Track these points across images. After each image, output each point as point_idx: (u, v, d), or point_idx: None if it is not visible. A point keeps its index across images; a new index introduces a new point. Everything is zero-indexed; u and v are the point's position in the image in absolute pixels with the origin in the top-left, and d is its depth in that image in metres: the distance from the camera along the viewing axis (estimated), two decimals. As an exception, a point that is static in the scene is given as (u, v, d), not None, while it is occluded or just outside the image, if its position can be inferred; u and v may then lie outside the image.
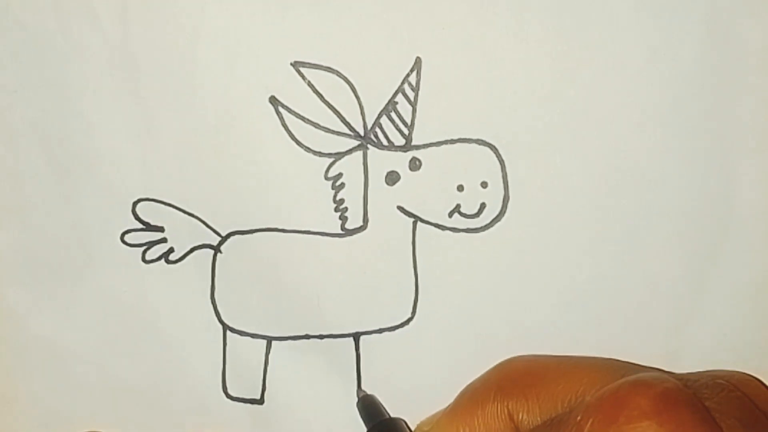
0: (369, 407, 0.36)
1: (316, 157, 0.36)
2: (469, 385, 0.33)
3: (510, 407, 0.31)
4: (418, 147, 0.36)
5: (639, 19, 0.35)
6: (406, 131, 0.36)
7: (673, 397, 0.25)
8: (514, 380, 0.31)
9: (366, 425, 0.35)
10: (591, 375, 0.29)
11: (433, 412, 0.36)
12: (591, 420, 0.25)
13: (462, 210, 0.36)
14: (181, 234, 0.37)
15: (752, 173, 0.35)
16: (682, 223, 0.36)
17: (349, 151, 0.36)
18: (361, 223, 0.37)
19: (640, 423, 0.24)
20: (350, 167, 0.36)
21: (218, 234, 0.37)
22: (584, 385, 0.28)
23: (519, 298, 0.36)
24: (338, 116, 0.36)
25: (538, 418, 0.30)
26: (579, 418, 0.26)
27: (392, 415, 0.36)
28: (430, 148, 0.36)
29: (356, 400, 0.37)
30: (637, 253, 0.36)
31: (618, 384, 0.26)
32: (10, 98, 0.37)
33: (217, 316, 0.38)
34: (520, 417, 0.30)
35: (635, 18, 0.35)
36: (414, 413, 0.36)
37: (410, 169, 0.36)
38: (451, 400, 0.36)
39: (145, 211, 0.37)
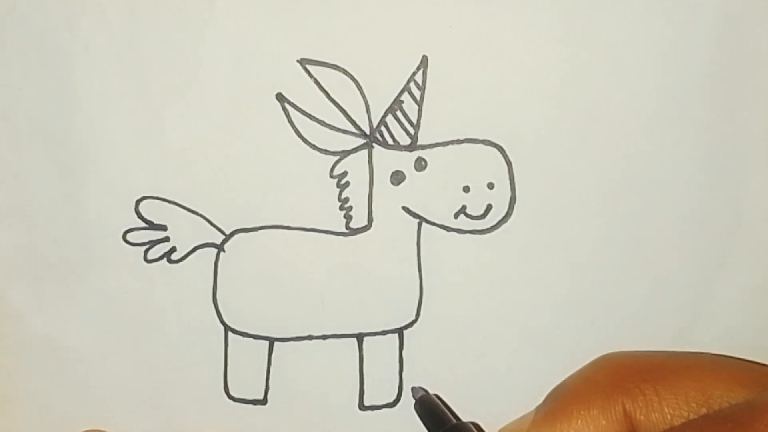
0: (431, 409, 0.32)
1: (322, 155, 0.36)
2: (563, 384, 0.29)
3: (627, 405, 0.27)
4: (423, 147, 0.36)
5: (649, 21, 0.34)
6: (411, 130, 0.36)
7: None
8: (626, 376, 0.27)
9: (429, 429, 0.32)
10: (724, 373, 0.26)
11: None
12: None
13: (468, 211, 0.36)
14: (184, 233, 0.37)
15: (760, 177, 0.35)
16: (689, 226, 0.36)
17: (355, 150, 0.36)
18: (365, 223, 0.36)
19: None
20: (355, 166, 0.36)
21: (222, 232, 0.37)
22: (723, 382, 0.25)
23: (525, 300, 0.36)
24: (344, 114, 0.35)
25: (667, 417, 0.26)
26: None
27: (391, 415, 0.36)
28: (436, 148, 0.36)
29: (413, 401, 0.35)
30: (644, 255, 0.36)
31: None
32: (14, 96, 0.36)
33: (218, 317, 0.37)
34: (639, 416, 0.27)
35: (645, 20, 0.34)
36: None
37: (416, 169, 0.36)
38: (453, 402, 0.36)
39: (148, 209, 0.37)
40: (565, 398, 0.28)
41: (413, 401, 0.35)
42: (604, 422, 0.27)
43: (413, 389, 0.36)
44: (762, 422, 0.23)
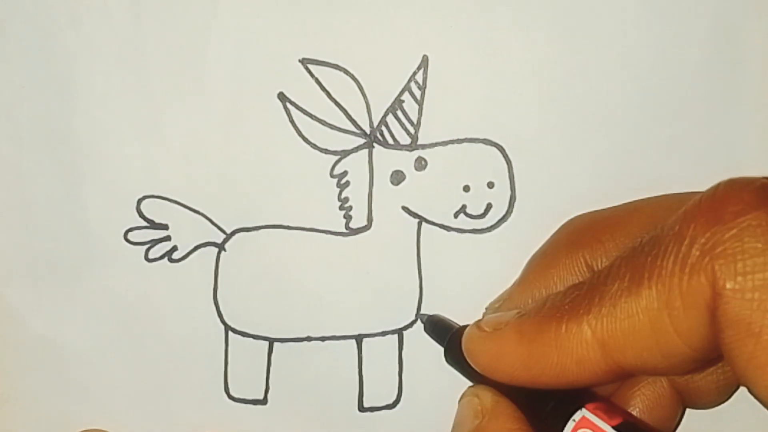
0: (437, 324, 0.34)
1: (322, 155, 0.36)
2: (534, 253, 0.31)
3: (587, 257, 0.29)
4: (424, 146, 0.36)
5: (645, 21, 0.35)
6: (412, 130, 0.36)
7: None
8: (584, 230, 0.30)
9: (441, 343, 0.34)
10: (668, 203, 0.27)
11: (437, 417, 0.35)
12: (692, 226, 0.23)
13: (468, 210, 0.36)
14: (185, 232, 0.37)
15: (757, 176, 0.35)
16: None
17: (355, 149, 0.36)
18: (365, 223, 0.36)
19: (747, 216, 0.23)
20: (355, 165, 0.36)
21: (223, 231, 0.37)
22: (665, 211, 0.26)
23: (524, 300, 0.36)
24: (345, 114, 0.36)
25: None
26: (677, 227, 0.24)
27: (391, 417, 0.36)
28: (436, 148, 0.36)
29: (422, 326, 0.36)
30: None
31: (713, 187, 0.24)
32: (17, 94, 0.37)
33: (219, 316, 0.37)
34: (599, 263, 0.29)
35: (641, 19, 0.35)
36: (418, 415, 0.36)
37: (416, 168, 0.36)
38: (453, 402, 0.36)
39: (149, 208, 0.37)
40: (535, 262, 0.31)
41: (414, 400, 0.36)
42: (569, 276, 0.29)
43: (420, 315, 0.36)
44: (665, 238, 0.24)
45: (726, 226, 0.23)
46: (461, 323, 0.36)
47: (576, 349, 0.25)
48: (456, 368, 0.31)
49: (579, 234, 0.30)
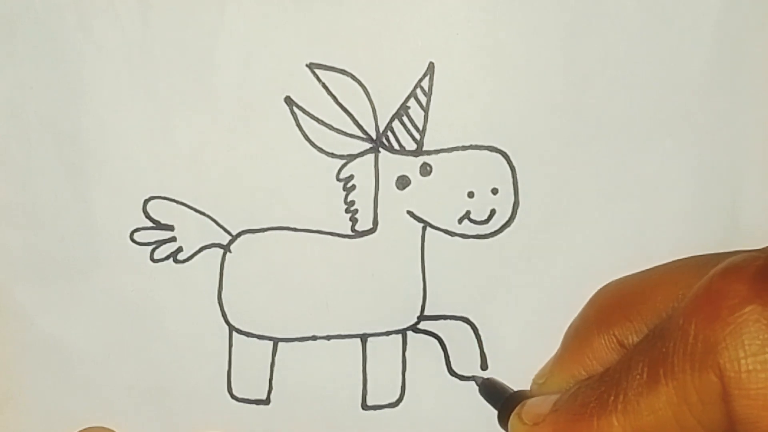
0: (491, 388, 0.35)
1: (329, 158, 0.36)
2: (570, 326, 0.32)
3: (618, 334, 0.29)
4: (429, 152, 0.36)
5: (650, 29, 0.35)
6: (417, 136, 0.36)
7: None
8: (612, 306, 0.30)
9: (494, 406, 0.34)
10: (686, 276, 0.28)
11: (438, 415, 0.36)
12: (693, 322, 0.24)
13: (472, 216, 0.36)
14: (190, 233, 0.37)
15: (757, 181, 0.36)
16: (689, 230, 0.36)
17: (361, 154, 0.36)
18: (370, 226, 0.37)
19: (744, 310, 0.23)
20: (361, 170, 0.36)
21: (229, 233, 0.37)
22: (683, 288, 0.27)
23: (527, 304, 0.37)
24: (351, 118, 0.36)
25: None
26: (681, 322, 0.24)
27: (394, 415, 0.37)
28: (441, 154, 0.36)
29: (476, 387, 0.36)
30: (646, 260, 0.36)
31: (709, 278, 0.24)
32: (25, 94, 0.37)
33: (223, 317, 0.38)
34: (631, 340, 0.29)
35: (646, 28, 0.35)
36: (420, 414, 0.37)
37: (421, 174, 0.36)
38: (456, 404, 0.37)
39: (155, 209, 0.37)
40: (569, 341, 0.32)
41: (416, 398, 0.37)
42: (604, 354, 0.30)
43: (474, 378, 0.36)
44: (672, 332, 0.24)
45: (724, 322, 0.23)
46: (464, 327, 0.37)
47: None
48: None
49: (607, 313, 0.30)
